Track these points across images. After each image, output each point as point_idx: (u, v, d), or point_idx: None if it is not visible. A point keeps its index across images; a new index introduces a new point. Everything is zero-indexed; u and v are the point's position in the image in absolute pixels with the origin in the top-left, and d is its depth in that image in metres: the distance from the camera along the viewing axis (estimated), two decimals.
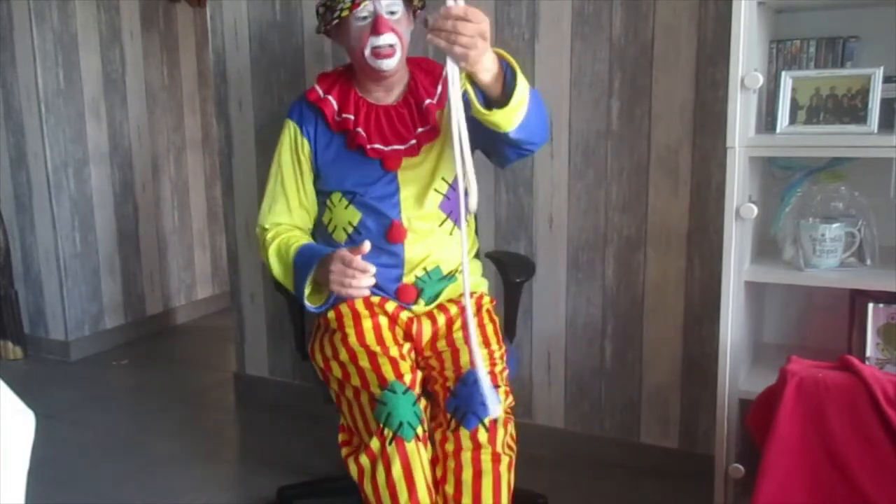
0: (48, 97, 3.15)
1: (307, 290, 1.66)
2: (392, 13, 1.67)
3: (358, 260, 1.53)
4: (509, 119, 1.46)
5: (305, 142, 1.77)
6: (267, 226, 1.79)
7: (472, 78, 1.41)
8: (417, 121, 1.74)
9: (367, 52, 1.66)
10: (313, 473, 2.25)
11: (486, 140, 1.59)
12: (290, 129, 1.79)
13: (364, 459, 1.50)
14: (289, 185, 1.78)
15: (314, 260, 1.63)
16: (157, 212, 3.70)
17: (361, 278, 1.53)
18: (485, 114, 1.45)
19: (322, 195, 1.80)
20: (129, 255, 3.56)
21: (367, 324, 1.67)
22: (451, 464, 1.51)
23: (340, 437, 1.63)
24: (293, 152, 1.78)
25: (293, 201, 1.79)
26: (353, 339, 1.63)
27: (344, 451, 1.59)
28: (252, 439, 2.56)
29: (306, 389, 2.61)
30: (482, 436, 1.51)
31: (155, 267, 3.71)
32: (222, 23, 2.59)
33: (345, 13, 1.65)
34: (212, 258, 4.08)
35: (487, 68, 1.38)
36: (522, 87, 1.45)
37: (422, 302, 1.74)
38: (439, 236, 1.75)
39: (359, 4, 1.64)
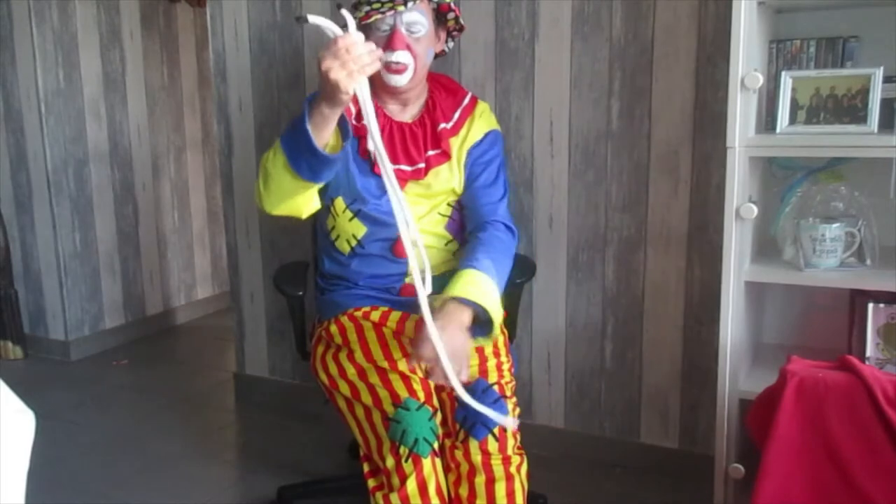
0: (48, 97, 3.16)
1: (311, 132, 1.40)
2: (412, 32, 1.63)
3: (345, 35, 1.30)
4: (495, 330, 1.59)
5: None
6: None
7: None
8: (430, 143, 1.72)
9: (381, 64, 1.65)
10: (313, 473, 2.25)
11: None
12: None
13: (394, 498, 1.46)
14: None
15: (304, 106, 1.42)
16: (157, 212, 3.70)
17: (361, 49, 1.30)
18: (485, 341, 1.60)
19: (325, 197, 1.79)
20: (129, 255, 3.56)
21: (372, 336, 1.64)
22: (463, 469, 1.51)
23: (365, 468, 1.56)
24: None
25: None
26: (359, 356, 1.61)
27: (372, 482, 1.54)
28: (252, 439, 2.56)
29: (306, 389, 2.61)
30: (492, 446, 1.50)
31: (155, 267, 3.71)
32: (222, 23, 2.59)
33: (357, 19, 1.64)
34: (212, 258, 4.08)
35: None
36: (496, 315, 1.56)
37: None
38: (444, 253, 1.76)
39: (371, 17, 1.60)
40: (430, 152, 1.72)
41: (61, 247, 3.26)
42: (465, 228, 1.80)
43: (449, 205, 1.75)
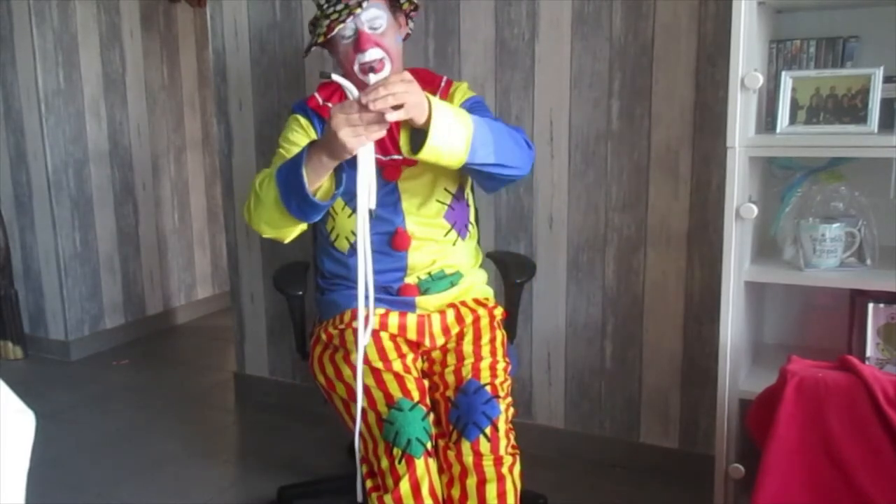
0: (48, 97, 3.16)
1: (305, 177, 1.44)
2: (374, 28, 1.66)
3: (358, 98, 1.34)
4: (439, 153, 1.45)
5: (312, 129, 1.75)
6: (258, 177, 1.63)
7: (411, 126, 1.45)
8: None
9: (356, 68, 1.66)
10: (313, 473, 2.25)
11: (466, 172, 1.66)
12: (298, 119, 1.77)
13: (388, 500, 1.46)
14: (292, 154, 1.68)
15: (303, 149, 1.47)
16: (157, 212, 3.70)
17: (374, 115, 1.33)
18: (416, 157, 1.45)
19: None
20: (129, 255, 3.56)
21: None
22: (455, 470, 1.51)
23: (364, 469, 1.56)
24: (301, 131, 1.75)
25: None
26: (355, 357, 1.59)
27: (369, 483, 1.53)
28: (252, 439, 2.56)
29: (306, 389, 2.62)
30: (483, 446, 1.50)
31: (155, 267, 3.71)
32: (222, 23, 2.60)
33: (321, 38, 1.67)
34: (212, 258, 4.08)
35: (424, 110, 1.41)
36: (443, 119, 1.42)
37: (426, 295, 1.74)
38: (443, 245, 1.75)
39: (334, 28, 1.64)
40: None
41: (61, 247, 3.26)
42: (465, 218, 1.79)
43: (447, 190, 1.75)
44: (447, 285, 1.75)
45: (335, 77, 1.38)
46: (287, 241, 1.67)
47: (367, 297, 1.50)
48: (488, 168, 1.56)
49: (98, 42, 3.33)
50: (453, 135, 1.44)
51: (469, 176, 1.79)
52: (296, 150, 1.69)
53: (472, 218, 1.84)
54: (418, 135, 1.44)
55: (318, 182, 1.48)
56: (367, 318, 1.51)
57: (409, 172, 1.72)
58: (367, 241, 1.48)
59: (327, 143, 1.40)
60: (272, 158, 1.79)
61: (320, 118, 1.75)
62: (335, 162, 1.45)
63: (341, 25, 1.64)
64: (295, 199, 1.49)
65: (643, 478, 2.18)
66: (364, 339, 1.51)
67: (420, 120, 1.41)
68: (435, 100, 1.42)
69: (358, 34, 1.65)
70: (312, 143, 1.47)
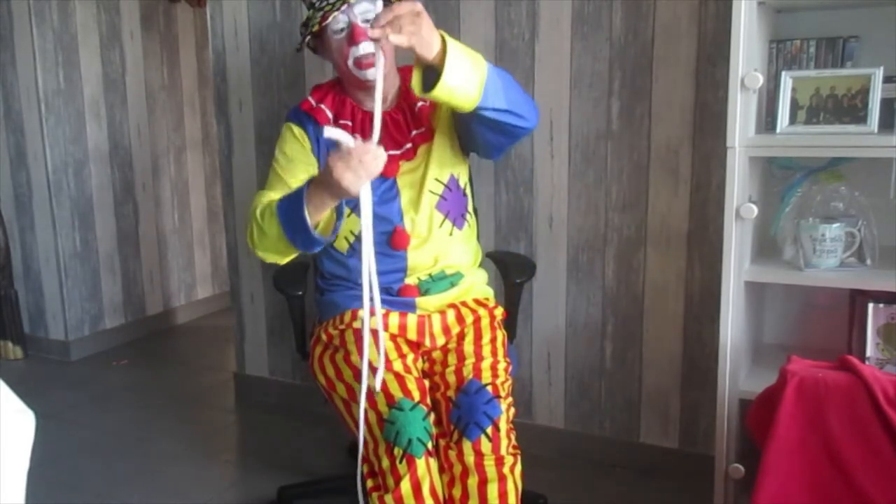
0: (48, 97, 3.16)
1: (308, 217, 1.48)
2: (367, 21, 1.64)
3: (356, 144, 1.38)
4: (452, 91, 1.41)
5: (307, 138, 1.76)
6: (258, 205, 1.67)
7: (422, 63, 1.41)
8: (411, 124, 1.75)
9: (351, 63, 1.66)
10: (313, 473, 2.25)
11: (470, 131, 1.63)
12: (291, 128, 1.78)
13: (389, 499, 1.46)
14: (287, 172, 1.73)
15: (303, 186, 1.50)
16: (157, 212, 3.70)
17: (371, 157, 1.37)
18: (429, 95, 1.43)
19: None
20: (129, 255, 3.56)
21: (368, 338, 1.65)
22: (457, 470, 1.51)
23: (365, 468, 1.56)
24: (295, 142, 1.76)
25: (293, 186, 1.69)
26: (355, 357, 1.61)
27: (370, 482, 1.54)
28: (252, 439, 2.56)
29: (306, 389, 2.61)
30: (485, 446, 1.50)
31: (155, 267, 3.71)
32: (222, 23, 2.60)
33: (315, 27, 1.67)
34: (212, 258, 4.08)
35: (431, 46, 1.38)
36: (458, 58, 1.39)
37: (426, 296, 1.74)
38: (441, 239, 1.75)
39: (328, 17, 1.64)
40: (414, 132, 1.75)
41: (61, 247, 3.26)
42: (461, 208, 1.78)
43: (437, 180, 1.74)
44: (447, 286, 1.75)
45: (328, 131, 1.38)
46: (282, 262, 1.70)
47: (372, 304, 1.49)
48: (500, 115, 1.52)
49: (98, 42, 3.33)
50: (468, 74, 1.42)
51: (470, 146, 1.78)
52: (290, 166, 1.73)
53: (469, 208, 1.83)
54: (431, 73, 1.42)
55: (319, 215, 1.51)
56: (376, 326, 1.50)
57: (405, 167, 1.73)
58: (373, 264, 1.46)
59: (328, 187, 1.43)
60: (268, 172, 1.79)
61: (315, 123, 1.75)
62: (337, 200, 1.49)
63: (334, 15, 1.64)
64: (299, 236, 1.53)
65: (643, 478, 2.18)
66: (378, 372, 1.51)
67: (428, 55, 1.38)
68: (449, 38, 1.41)
69: (351, 27, 1.65)
70: (312, 182, 1.49)
